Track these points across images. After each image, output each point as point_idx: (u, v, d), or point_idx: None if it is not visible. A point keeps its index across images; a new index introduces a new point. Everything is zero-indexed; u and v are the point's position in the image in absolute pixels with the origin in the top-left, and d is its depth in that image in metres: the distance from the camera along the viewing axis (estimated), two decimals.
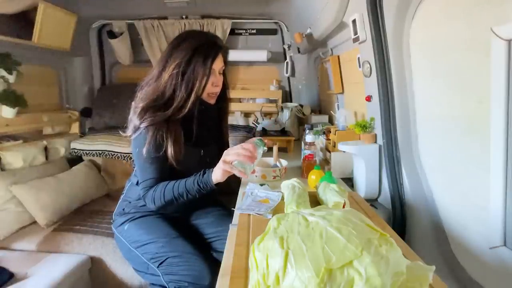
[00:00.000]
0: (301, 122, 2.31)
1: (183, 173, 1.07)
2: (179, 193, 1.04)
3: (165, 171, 1.08)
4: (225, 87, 1.24)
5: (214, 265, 1.05)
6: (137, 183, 1.20)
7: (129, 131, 1.10)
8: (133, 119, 1.08)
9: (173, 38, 1.14)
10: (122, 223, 1.19)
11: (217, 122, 1.30)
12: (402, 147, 1.10)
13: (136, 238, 1.13)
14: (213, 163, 1.06)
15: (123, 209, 1.22)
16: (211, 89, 1.14)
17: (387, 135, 1.12)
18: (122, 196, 1.28)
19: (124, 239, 1.16)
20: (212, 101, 1.18)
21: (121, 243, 1.19)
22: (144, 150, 1.04)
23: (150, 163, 1.07)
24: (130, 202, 1.22)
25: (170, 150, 1.05)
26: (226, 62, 1.20)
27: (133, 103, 1.12)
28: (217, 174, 1.01)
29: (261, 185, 1.17)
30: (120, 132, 1.16)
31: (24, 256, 1.45)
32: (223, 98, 1.26)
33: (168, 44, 1.13)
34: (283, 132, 1.98)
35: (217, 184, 1.04)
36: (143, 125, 1.05)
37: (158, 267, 1.06)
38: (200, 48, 1.07)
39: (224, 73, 1.21)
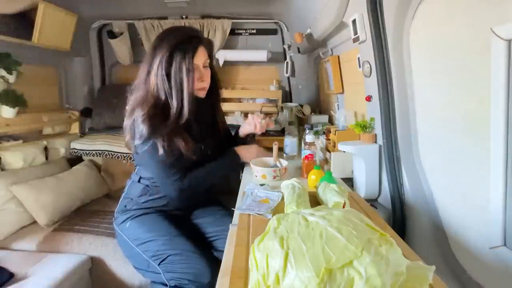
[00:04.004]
0: (301, 122, 2.31)
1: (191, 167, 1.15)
2: (216, 171, 1.20)
3: (183, 162, 1.12)
4: (215, 80, 1.25)
5: (214, 263, 1.06)
6: (138, 180, 1.21)
7: (137, 141, 1.09)
8: (138, 129, 1.07)
9: (154, 38, 1.16)
10: (124, 220, 1.19)
11: (211, 116, 1.31)
12: (402, 147, 1.10)
13: (138, 236, 1.13)
14: (214, 155, 1.19)
15: (125, 206, 1.23)
16: (197, 84, 1.14)
17: (387, 135, 1.12)
18: (123, 194, 1.28)
19: (125, 236, 1.17)
20: (202, 95, 1.18)
21: (122, 240, 1.19)
22: (160, 157, 1.07)
23: (170, 162, 1.09)
24: (132, 199, 1.22)
25: (183, 148, 1.09)
26: (211, 55, 1.20)
27: (127, 107, 1.12)
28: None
29: (261, 185, 1.17)
30: (123, 136, 1.18)
31: (24, 256, 1.45)
32: (214, 91, 1.26)
33: (151, 44, 1.15)
34: (283, 132, 1.98)
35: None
36: (154, 139, 1.06)
37: (159, 264, 1.06)
38: (178, 45, 1.07)
39: (212, 67, 1.21)
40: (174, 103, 1.08)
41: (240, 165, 1.25)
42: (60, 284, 1.29)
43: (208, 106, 1.26)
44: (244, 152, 1.28)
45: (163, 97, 1.09)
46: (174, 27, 1.19)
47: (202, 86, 1.16)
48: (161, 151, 1.06)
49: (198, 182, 1.14)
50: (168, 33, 1.13)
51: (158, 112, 1.07)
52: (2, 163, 1.70)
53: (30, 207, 1.63)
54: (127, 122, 1.11)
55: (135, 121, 1.07)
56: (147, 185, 1.20)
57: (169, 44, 1.07)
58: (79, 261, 1.42)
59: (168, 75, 1.07)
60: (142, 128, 1.05)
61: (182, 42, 1.08)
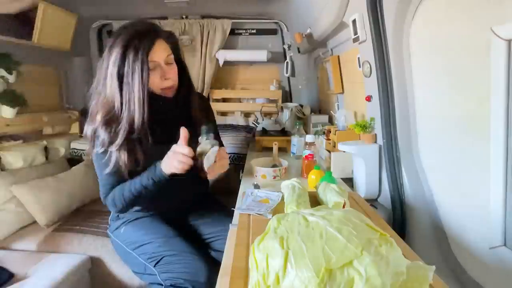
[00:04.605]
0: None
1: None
2: (138, 191, 1.01)
3: (124, 175, 1.03)
4: (185, 76, 1.13)
5: (211, 263, 1.06)
6: None
7: (99, 149, 1.02)
8: (99, 138, 1.01)
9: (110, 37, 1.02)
10: (118, 226, 1.18)
11: (185, 115, 1.16)
12: (402, 147, 1.10)
13: (133, 239, 1.12)
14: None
15: (118, 215, 1.22)
16: (161, 83, 1.02)
17: (387, 135, 1.12)
18: None
19: (120, 242, 1.16)
20: (170, 94, 1.07)
21: (118, 246, 1.18)
22: (102, 165, 1.02)
23: (109, 173, 1.02)
24: None
25: (123, 162, 1.00)
26: (176, 48, 1.08)
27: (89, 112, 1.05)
28: (170, 169, 0.96)
29: (256, 188, 1.17)
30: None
31: (24, 256, 1.44)
32: (184, 88, 1.13)
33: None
34: (283, 132, 1.98)
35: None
36: (109, 148, 1.00)
37: (155, 266, 1.05)
38: (131, 41, 0.95)
39: (180, 62, 1.10)
40: (125, 109, 0.98)
41: (164, 178, 0.98)
42: (60, 284, 1.29)
43: (180, 105, 1.14)
44: (164, 164, 0.98)
45: (116, 101, 0.98)
46: (129, 23, 1.04)
47: (166, 85, 1.03)
48: (112, 160, 0.99)
49: (120, 200, 1.03)
50: (121, 29, 1.00)
51: (113, 120, 0.99)
52: (2, 163, 1.70)
53: (30, 207, 1.62)
54: (87, 129, 1.03)
55: (96, 129, 1.00)
56: None
57: (122, 41, 0.95)
58: (79, 261, 1.42)
59: (121, 76, 0.96)
60: (104, 137, 0.99)
61: (136, 37, 0.96)
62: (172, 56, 1.05)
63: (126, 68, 0.96)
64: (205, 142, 0.96)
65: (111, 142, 0.99)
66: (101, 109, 1.00)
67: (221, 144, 1.40)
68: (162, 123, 1.07)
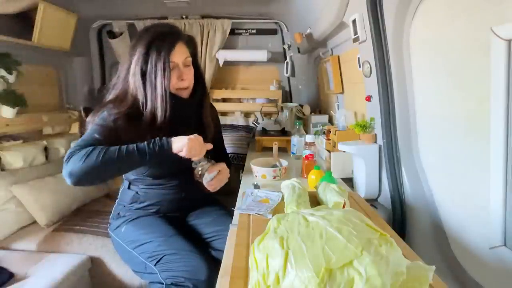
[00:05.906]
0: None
1: (158, 165, 1.10)
2: (128, 152, 0.94)
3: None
4: (201, 80, 1.18)
5: (211, 261, 1.06)
6: (128, 187, 1.21)
7: (98, 120, 1.03)
8: (106, 124, 1.02)
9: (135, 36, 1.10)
10: (119, 225, 1.19)
11: (196, 119, 1.22)
12: (402, 147, 1.10)
13: (134, 238, 1.13)
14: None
15: (118, 213, 1.23)
16: (177, 83, 1.08)
17: (387, 135, 1.12)
18: (117, 201, 1.28)
19: (121, 240, 1.16)
20: (185, 95, 1.12)
21: (118, 245, 1.19)
22: (97, 130, 1.00)
23: (98, 139, 0.99)
24: (124, 206, 1.22)
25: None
26: (194, 53, 1.14)
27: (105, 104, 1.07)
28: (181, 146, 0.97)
29: (256, 188, 1.17)
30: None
31: (24, 256, 1.44)
32: (199, 92, 1.18)
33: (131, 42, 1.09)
34: (283, 132, 1.98)
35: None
36: (123, 138, 1.00)
37: (155, 265, 1.06)
38: (155, 42, 1.02)
39: (197, 65, 1.16)
40: (148, 105, 1.03)
41: (167, 149, 0.97)
42: (60, 284, 1.29)
43: (193, 108, 1.19)
44: (178, 139, 0.99)
45: (140, 98, 1.04)
46: (153, 24, 1.11)
47: (182, 85, 1.09)
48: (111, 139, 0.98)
49: (97, 155, 0.92)
50: (146, 30, 1.07)
51: (134, 113, 1.04)
52: (2, 163, 1.70)
53: (30, 207, 1.62)
54: (100, 110, 1.04)
55: (106, 115, 1.02)
56: (137, 192, 1.19)
57: (146, 41, 1.02)
58: (79, 261, 1.42)
59: (144, 74, 1.02)
60: (112, 123, 1.01)
61: (158, 38, 1.02)
62: (190, 59, 1.11)
63: (149, 67, 1.01)
64: (202, 164, 1.10)
65: (128, 133, 1.02)
66: (124, 103, 1.04)
67: (223, 146, 1.44)
68: (172, 120, 1.10)
